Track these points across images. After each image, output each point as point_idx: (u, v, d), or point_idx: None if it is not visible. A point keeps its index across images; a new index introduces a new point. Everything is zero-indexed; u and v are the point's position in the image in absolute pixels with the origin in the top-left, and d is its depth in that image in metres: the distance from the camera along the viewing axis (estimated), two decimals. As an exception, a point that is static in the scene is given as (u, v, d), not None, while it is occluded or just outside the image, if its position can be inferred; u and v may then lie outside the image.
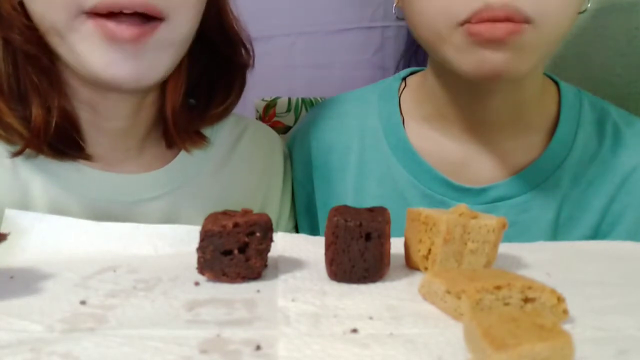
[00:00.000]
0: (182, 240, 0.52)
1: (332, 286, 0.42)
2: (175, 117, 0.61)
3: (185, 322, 0.36)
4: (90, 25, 0.50)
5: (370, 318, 0.37)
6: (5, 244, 0.45)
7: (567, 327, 0.35)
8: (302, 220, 0.74)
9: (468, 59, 0.55)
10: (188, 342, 0.33)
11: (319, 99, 1.01)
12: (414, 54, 0.94)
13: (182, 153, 0.65)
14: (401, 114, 0.70)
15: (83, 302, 0.39)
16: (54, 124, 0.55)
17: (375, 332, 0.35)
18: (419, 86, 0.71)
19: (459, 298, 0.37)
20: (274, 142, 0.74)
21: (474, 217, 0.44)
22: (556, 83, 0.69)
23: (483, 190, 0.66)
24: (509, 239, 0.50)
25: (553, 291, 0.37)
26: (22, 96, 0.55)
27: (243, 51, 0.66)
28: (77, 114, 0.58)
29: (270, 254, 0.44)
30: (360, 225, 0.42)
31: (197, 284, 0.43)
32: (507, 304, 0.36)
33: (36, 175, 0.58)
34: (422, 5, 0.57)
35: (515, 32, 0.52)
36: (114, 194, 0.60)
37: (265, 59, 0.81)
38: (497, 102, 0.63)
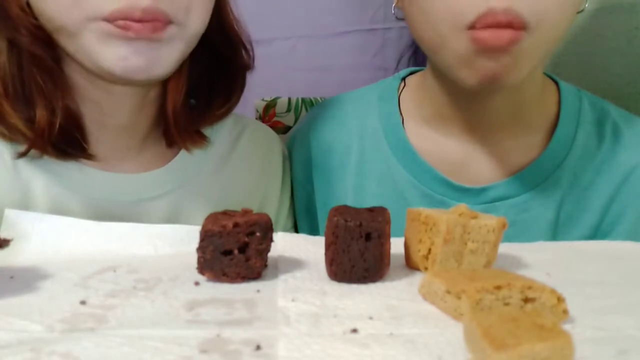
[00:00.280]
0: (182, 240, 0.52)
1: (332, 286, 0.42)
2: (176, 115, 0.62)
3: (185, 322, 0.36)
4: (103, 26, 0.50)
5: (370, 318, 0.37)
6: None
7: (567, 327, 0.35)
8: (302, 220, 0.74)
9: (466, 68, 0.56)
10: (188, 342, 0.33)
11: (319, 99, 1.01)
12: (414, 54, 0.94)
13: (182, 152, 0.65)
14: (401, 114, 0.70)
15: (83, 302, 0.39)
16: (57, 125, 0.55)
17: (375, 332, 0.35)
18: (419, 86, 0.71)
19: (459, 298, 0.37)
20: (273, 142, 0.74)
21: (474, 217, 0.44)
22: (556, 83, 0.69)
23: (483, 190, 0.66)
24: (508, 238, 0.50)
25: (553, 291, 0.37)
26: (26, 98, 0.56)
27: (243, 52, 0.66)
28: (80, 112, 0.59)
29: (270, 254, 0.44)
30: (360, 225, 0.42)
31: (197, 284, 0.43)
32: (507, 304, 0.36)
33: (37, 175, 0.58)
34: (425, 5, 0.57)
35: (517, 40, 0.53)
36: (115, 193, 0.60)
37: (266, 62, 0.81)
38: (497, 103, 0.63)
